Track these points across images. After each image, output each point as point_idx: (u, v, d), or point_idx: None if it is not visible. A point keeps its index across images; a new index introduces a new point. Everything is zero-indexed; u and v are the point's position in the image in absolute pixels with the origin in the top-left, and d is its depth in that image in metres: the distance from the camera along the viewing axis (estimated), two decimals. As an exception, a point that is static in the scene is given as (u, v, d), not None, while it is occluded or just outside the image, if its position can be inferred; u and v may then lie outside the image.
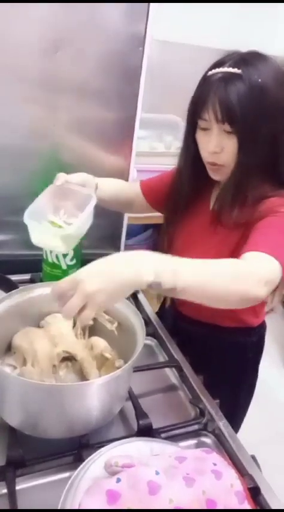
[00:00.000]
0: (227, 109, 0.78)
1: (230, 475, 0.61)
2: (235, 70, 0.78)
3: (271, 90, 0.78)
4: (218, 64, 0.81)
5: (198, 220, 0.96)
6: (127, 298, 1.08)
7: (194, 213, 0.98)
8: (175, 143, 2.12)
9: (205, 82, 0.82)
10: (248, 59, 0.79)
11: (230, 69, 0.78)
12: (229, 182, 0.86)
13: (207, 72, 0.83)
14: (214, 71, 0.81)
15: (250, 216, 0.83)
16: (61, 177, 0.96)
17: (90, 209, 0.93)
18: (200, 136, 0.86)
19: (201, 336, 1.04)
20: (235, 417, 0.82)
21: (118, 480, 0.56)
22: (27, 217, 0.89)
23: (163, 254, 0.65)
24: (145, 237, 2.14)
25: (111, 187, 1.07)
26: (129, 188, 1.13)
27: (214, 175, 0.89)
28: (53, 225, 0.94)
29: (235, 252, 0.87)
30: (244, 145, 0.80)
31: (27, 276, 1.18)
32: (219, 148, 0.83)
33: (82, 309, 0.59)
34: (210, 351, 1.01)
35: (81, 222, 0.92)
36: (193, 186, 0.96)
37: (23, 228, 1.21)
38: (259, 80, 0.77)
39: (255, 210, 0.83)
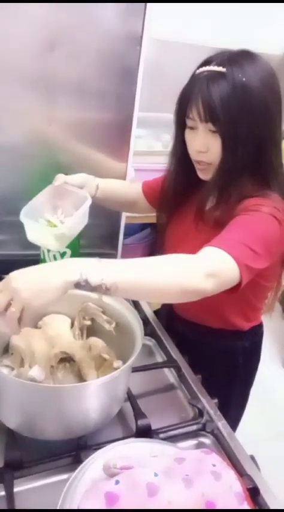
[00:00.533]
0: (210, 108, 0.77)
1: (229, 476, 0.61)
2: (220, 69, 0.77)
3: (255, 90, 0.77)
4: (206, 62, 0.81)
5: (187, 219, 0.96)
6: (126, 299, 1.09)
7: (184, 212, 0.98)
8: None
9: (192, 80, 0.82)
10: (236, 58, 0.78)
11: (216, 68, 0.78)
12: (212, 181, 0.86)
13: (195, 70, 0.82)
14: (201, 69, 0.81)
15: (230, 215, 0.83)
16: (59, 178, 0.97)
17: (84, 209, 0.94)
18: (188, 135, 0.86)
19: (193, 337, 1.03)
20: (227, 420, 0.82)
21: (117, 482, 0.56)
22: (23, 216, 0.91)
23: (94, 258, 0.65)
24: (143, 236, 2.13)
25: (112, 187, 1.07)
26: (130, 189, 1.13)
27: (202, 175, 0.89)
28: (49, 223, 0.95)
29: None
30: (228, 145, 0.80)
31: (25, 276, 1.17)
32: (204, 147, 0.82)
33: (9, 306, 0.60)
34: (201, 353, 1.00)
35: (75, 222, 0.93)
36: (183, 184, 0.95)
37: (20, 228, 1.20)
38: (243, 79, 0.76)
39: (235, 209, 0.83)
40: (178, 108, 0.85)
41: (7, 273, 1.09)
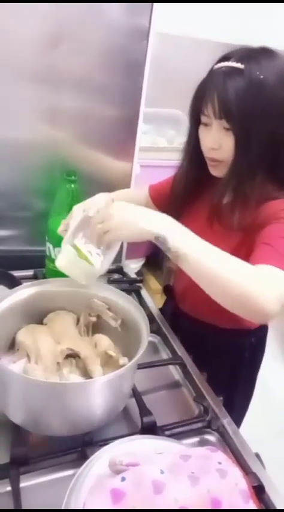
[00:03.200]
0: (224, 105, 0.76)
1: (235, 473, 0.61)
2: (238, 65, 0.76)
3: (272, 88, 0.76)
4: (224, 58, 0.80)
5: (198, 217, 0.94)
6: (130, 294, 1.08)
7: (195, 210, 0.97)
8: (177, 138, 2.10)
9: (209, 76, 0.81)
10: (254, 55, 0.78)
11: (234, 64, 0.77)
12: (225, 180, 0.84)
13: (213, 66, 0.82)
14: (219, 65, 0.80)
15: (253, 218, 0.81)
16: (94, 208, 0.86)
17: (117, 250, 0.88)
18: (202, 132, 0.85)
19: (198, 333, 1.02)
20: (231, 417, 0.82)
21: (123, 479, 0.56)
22: (65, 243, 0.84)
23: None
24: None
25: (124, 198, 1.04)
26: (138, 195, 1.11)
27: (213, 171, 0.88)
28: (77, 250, 0.91)
29: (237, 253, 0.85)
30: (241, 143, 0.79)
31: (30, 272, 1.17)
32: (217, 144, 0.82)
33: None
34: (206, 349, 1.00)
35: (109, 261, 0.88)
36: (195, 181, 0.94)
37: (26, 224, 1.21)
38: (261, 77, 0.75)
39: (258, 212, 0.81)
40: (193, 103, 0.85)
41: (12, 269, 1.11)
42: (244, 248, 0.84)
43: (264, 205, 0.81)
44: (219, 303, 0.69)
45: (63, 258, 0.84)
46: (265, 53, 0.79)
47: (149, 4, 1.05)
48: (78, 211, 0.89)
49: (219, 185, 0.87)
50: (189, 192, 0.96)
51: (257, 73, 0.75)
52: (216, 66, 0.80)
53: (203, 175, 0.91)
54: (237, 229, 0.84)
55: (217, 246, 0.79)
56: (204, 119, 0.83)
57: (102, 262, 0.85)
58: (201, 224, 0.93)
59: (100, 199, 0.94)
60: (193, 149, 0.89)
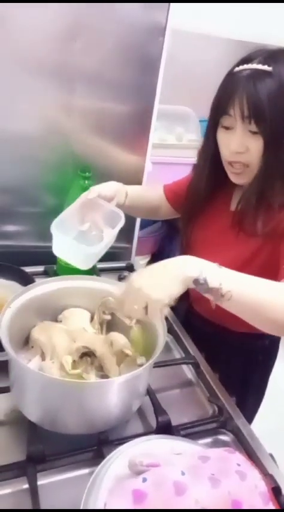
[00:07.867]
0: (256, 107, 0.74)
1: (254, 475, 0.61)
2: (265, 67, 0.75)
3: None
4: (246, 60, 0.78)
5: (218, 222, 0.93)
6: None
7: (213, 214, 0.95)
8: (186, 135, 2.09)
9: (232, 78, 0.79)
10: (278, 56, 0.76)
11: (260, 66, 0.75)
12: (252, 187, 0.82)
13: (233, 68, 0.80)
14: (241, 67, 0.77)
15: (276, 224, 0.80)
16: (93, 191, 0.92)
17: (117, 230, 0.90)
18: (221, 135, 0.83)
19: (210, 334, 1.02)
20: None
21: (144, 480, 0.56)
22: (54, 228, 0.85)
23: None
24: (155, 229, 2.12)
25: (139, 194, 1.04)
26: (153, 194, 1.10)
27: (236, 179, 0.85)
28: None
29: (255, 257, 0.85)
30: (271, 148, 0.77)
31: (40, 268, 1.17)
32: (243, 147, 0.79)
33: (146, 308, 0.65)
34: (219, 350, 1.00)
35: (109, 242, 0.90)
36: (211, 186, 0.92)
37: (37, 220, 1.20)
38: None
39: (282, 218, 0.80)
40: (215, 106, 0.82)
41: (23, 265, 1.10)
42: (264, 252, 0.83)
43: None
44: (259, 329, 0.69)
45: (62, 246, 0.87)
46: None
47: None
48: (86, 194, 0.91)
49: (244, 192, 0.85)
50: (205, 195, 0.94)
51: None
52: (238, 69, 0.78)
53: (221, 178, 0.89)
54: (261, 234, 0.82)
55: (237, 249, 0.78)
56: (226, 122, 0.80)
57: (104, 246, 0.88)
58: (221, 228, 0.92)
59: (112, 187, 0.97)
60: (212, 153, 0.87)
